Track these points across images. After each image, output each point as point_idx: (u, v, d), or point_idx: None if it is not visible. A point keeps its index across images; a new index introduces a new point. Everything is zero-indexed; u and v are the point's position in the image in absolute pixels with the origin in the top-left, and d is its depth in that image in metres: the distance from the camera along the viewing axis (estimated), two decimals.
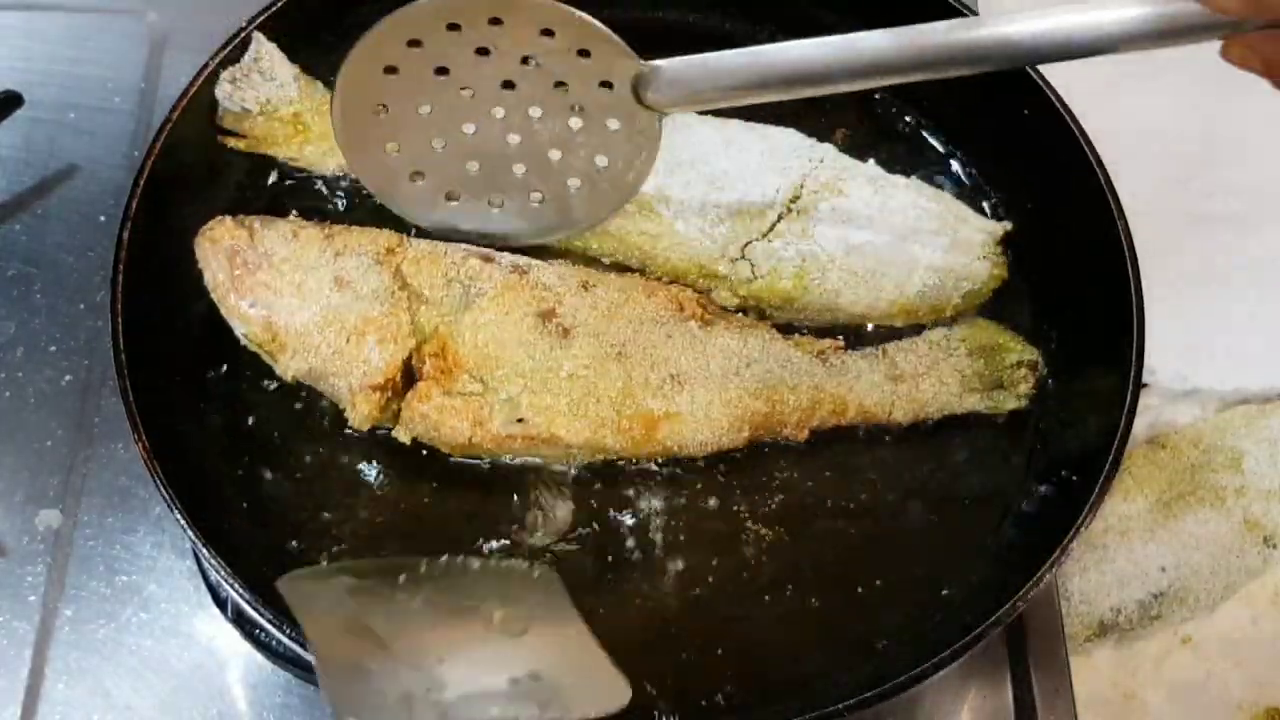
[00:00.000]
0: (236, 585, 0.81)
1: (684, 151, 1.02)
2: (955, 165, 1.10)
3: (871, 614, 0.91)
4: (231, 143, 1.04)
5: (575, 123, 0.86)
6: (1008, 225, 1.03)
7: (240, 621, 0.92)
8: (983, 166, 1.09)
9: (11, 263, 1.11)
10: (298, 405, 0.96)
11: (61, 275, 1.10)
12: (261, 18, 1.03)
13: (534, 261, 0.96)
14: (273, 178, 1.06)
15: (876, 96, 1.13)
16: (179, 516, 0.83)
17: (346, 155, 0.90)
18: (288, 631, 0.80)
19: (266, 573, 0.82)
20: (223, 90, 1.01)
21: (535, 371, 0.91)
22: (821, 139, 1.05)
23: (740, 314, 1.00)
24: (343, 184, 1.06)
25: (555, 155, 0.88)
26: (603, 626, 0.88)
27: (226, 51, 1.01)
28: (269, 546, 0.91)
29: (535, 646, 0.82)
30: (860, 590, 0.92)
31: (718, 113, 1.06)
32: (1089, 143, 0.97)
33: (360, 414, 0.91)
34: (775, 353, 0.95)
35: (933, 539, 0.94)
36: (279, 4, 1.03)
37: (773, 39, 1.20)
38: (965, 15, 1.04)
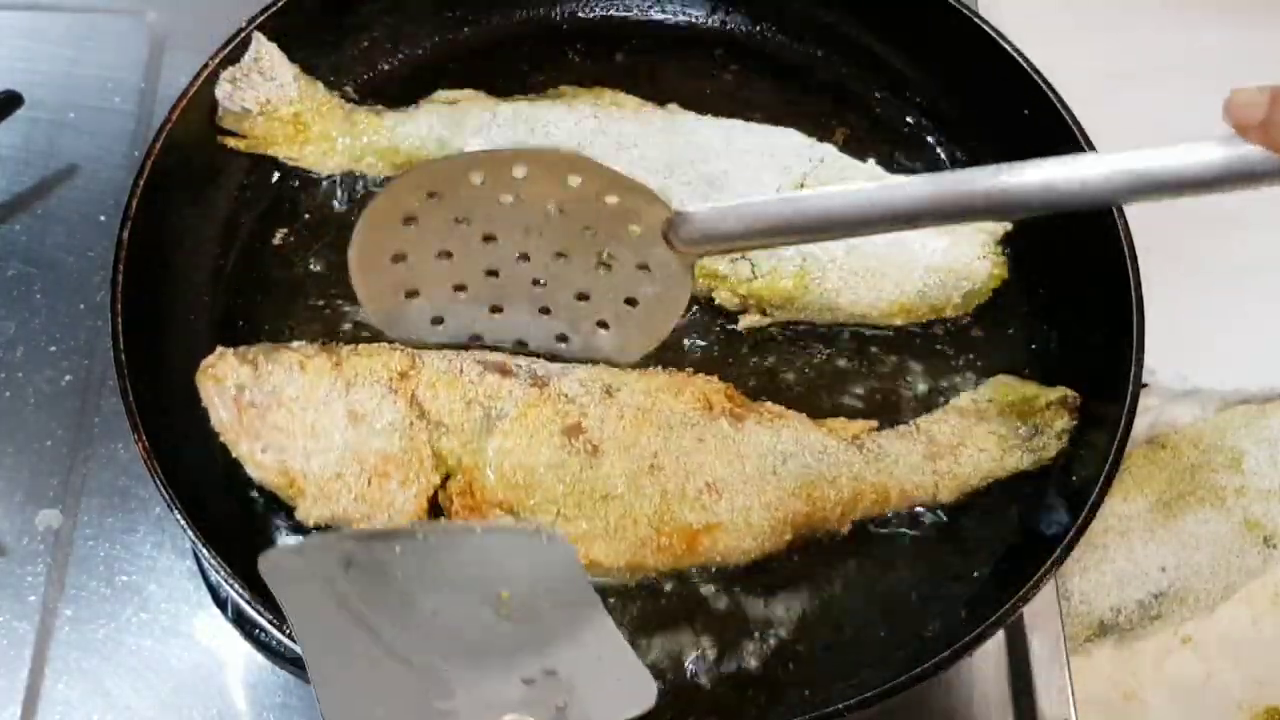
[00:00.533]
0: (236, 585, 0.81)
1: (684, 151, 1.02)
2: (955, 165, 1.09)
3: (871, 614, 0.91)
4: (231, 143, 1.04)
5: (603, 267, 0.84)
6: (1008, 225, 1.03)
7: (240, 621, 0.92)
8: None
9: (11, 263, 1.11)
10: None
11: (61, 275, 1.10)
12: (261, 18, 1.03)
13: (552, 368, 0.93)
14: (273, 178, 1.06)
15: (877, 96, 1.13)
16: (179, 516, 0.82)
17: (365, 303, 0.88)
18: (288, 631, 0.80)
19: None
20: (223, 90, 1.01)
21: (568, 496, 0.88)
22: (821, 139, 1.05)
23: (765, 401, 0.95)
24: (342, 184, 1.06)
25: (582, 299, 0.87)
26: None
27: (226, 51, 1.01)
28: (269, 547, 0.91)
29: (551, 637, 0.75)
30: (859, 589, 0.92)
31: (718, 112, 1.07)
32: (1089, 142, 0.97)
33: None
34: (809, 444, 0.92)
35: (932, 539, 0.94)
36: (279, 4, 1.03)
37: (771, 37, 1.21)
38: (964, 15, 1.05)
